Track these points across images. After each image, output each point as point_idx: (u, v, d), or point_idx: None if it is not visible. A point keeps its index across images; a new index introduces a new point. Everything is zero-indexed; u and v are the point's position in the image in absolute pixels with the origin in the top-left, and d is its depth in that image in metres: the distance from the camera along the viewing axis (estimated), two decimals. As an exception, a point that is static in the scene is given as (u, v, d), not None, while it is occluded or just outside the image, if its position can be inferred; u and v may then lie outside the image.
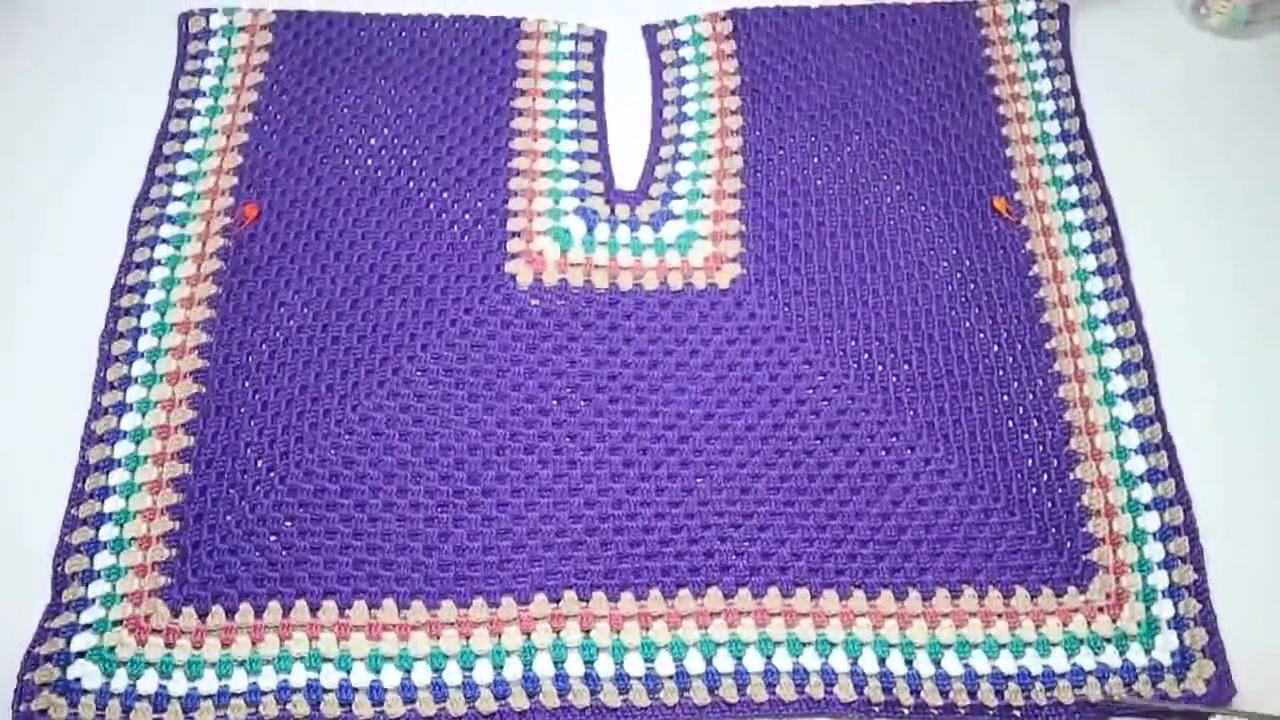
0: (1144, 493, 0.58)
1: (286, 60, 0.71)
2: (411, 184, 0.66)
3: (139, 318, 0.61)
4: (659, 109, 0.70)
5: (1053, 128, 0.69)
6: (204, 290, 0.62)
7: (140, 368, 0.60)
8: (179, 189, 0.66)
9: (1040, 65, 0.71)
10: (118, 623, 0.53)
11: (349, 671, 0.53)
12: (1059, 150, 0.68)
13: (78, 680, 0.52)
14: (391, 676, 0.53)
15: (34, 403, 0.60)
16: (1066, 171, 0.67)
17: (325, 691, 0.52)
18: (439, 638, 0.54)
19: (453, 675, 0.53)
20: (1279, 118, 0.70)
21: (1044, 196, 0.67)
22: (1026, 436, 0.59)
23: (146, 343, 0.61)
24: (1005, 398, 0.60)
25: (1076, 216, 0.66)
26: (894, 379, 0.60)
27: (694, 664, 0.53)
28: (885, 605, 0.55)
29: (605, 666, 0.53)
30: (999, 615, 0.55)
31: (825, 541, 0.56)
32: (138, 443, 0.58)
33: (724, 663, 0.53)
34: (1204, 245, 0.66)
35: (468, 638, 0.54)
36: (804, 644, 0.54)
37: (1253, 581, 0.56)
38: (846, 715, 0.53)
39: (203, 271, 0.63)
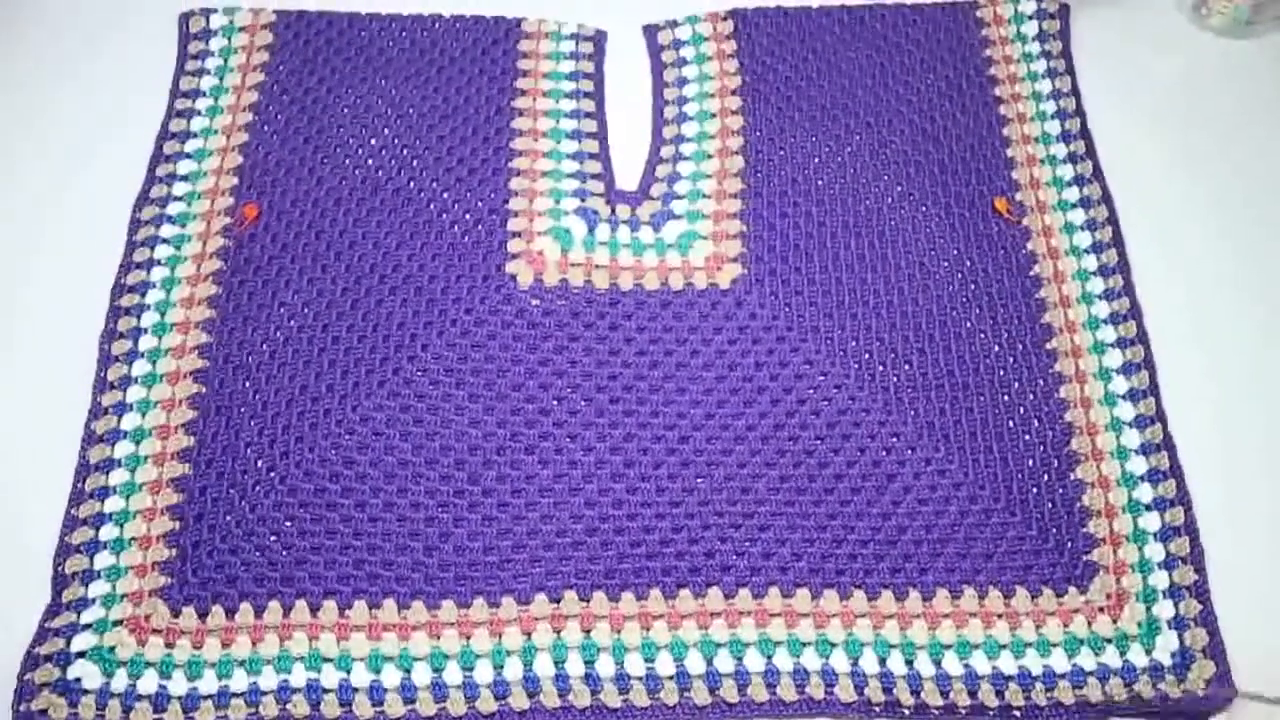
0: (1145, 493, 0.58)
1: (287, 60, 0.71)
2: (412, 184, 0.66)
3: (139, 318, 0.61)
4: (659, 109, 0.70)
5: (1053, 128, 0.69)
6: (204, 290, 0.62)
7: (140, 368, 0.60)
8: (179, 189, 0.66)
9: (1041, 65, 0.71)
10: (118, 623, 0.53)
11: (349, 672, 0.53)
12: (1060, 150, 0.68)
13: (78, 680, 0.52)
14: (392, 676, 0.53)
15: (34, 403, 0.60)
16: (1067, 172, 0.67)
17: (325, 691, 0.52)
18: (439, 638, 0.54)
19: (453, 675, 0.53)
20: (1279, 118, 0.70)
21: (1045, 197, 0.67)
22: (1027, 437, 0.59)
23: (147, 343, 0.61)
24: (1006, 398, 0.60)
25: (1077, 217, 0.66)
26: (895, 379, 0.60)
27: (695, 664, 0.53)
28: (886, 605, 0.55)
29: (606, 667, 0.53)
30: (999, 615, 0.55)
31: (826, 542, 0.56)
32: (138, 443, 0.58)
33: (725, 663, 0.53)
34: (1204, 245, 0.66)
35: (468, 638, 0.54)
36: (804, 644, 0.54)
37: (1253, 582, 0.56)
38: (847, 715, 0.53)
39: (203, 271, 0.63)
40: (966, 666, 0.53)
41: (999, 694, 0.53)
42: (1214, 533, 0.56)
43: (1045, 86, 0.71)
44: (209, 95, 0.69)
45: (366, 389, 0.59)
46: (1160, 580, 0.55)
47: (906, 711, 0.53)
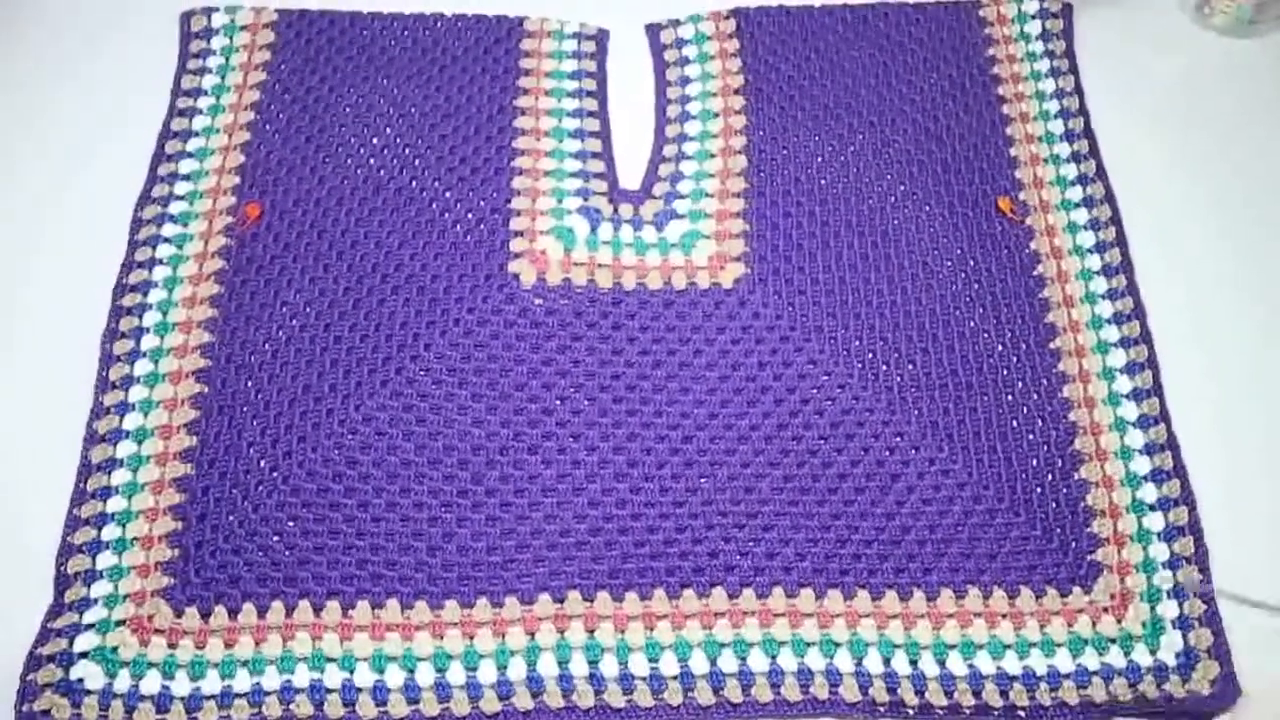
0: (1149, 493, 0.57)
1: (289, 59, 0.71)
2: (414, 183, 0.66)
3: (141, 317, 0.61)
4: (662, 108, 0.70)
5: (1056, 127, 0.69)
6: (206, 289, 0.62)
7: (142, 367, 0.60)
8: (181, 188, 0.66)
9: (1044, 65, 0.71)
10: (120, 623, 0.53)
11: (352, 672, 0.53)
12: (1063, 150, 0.68)
13: (80, 681, 0.52)
14: (395, 677, 0.53)
15: (36, 402, 0.59)
16: (1070, 171, 0.67)
17: (329, 692, 0.52)
18: (443, 638, 0.53)
19: (456, 675, 0.53)
20: (1281, 118, 0.70)
21: (1048, 196, 0.66)
22: (1031, 437, 0.59)
23: (149, 342, 0.60)
24: (1010, 398, 0.60)
25: (1080, 216, 0.66)
26: (898, 379, 0.60)
27: (698, 664, 0.53)
28: (890, 605, 0.54)
29: (609, 667, 0.53)
30: (1003, 616, 0.55)
31: (829, 542, 0.56)
32: (140, 442, 0.58)
33: (728, 663, 0.53)
34: (1204, 245, 0.66)
35: (471, 638, 0.54)
36: (808, 644, 0.54)
37: (1257, 581, 0.55)
38: (852, 716, 0.53)
39: (205, 270, 0.63)
40: (971, 666, 0.53)
41: (1003, 694, 0.53)
42: (1217, 533, 0.56)
43: (1048, 86, 0.71)
44: (211, 94, 0.69)
45: (369, 388, 0.59)
46: (1165, 580, 0.55)
47: (911, 711, 0.52)
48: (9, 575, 0.55)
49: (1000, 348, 0.61)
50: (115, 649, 0.52)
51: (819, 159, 0.67)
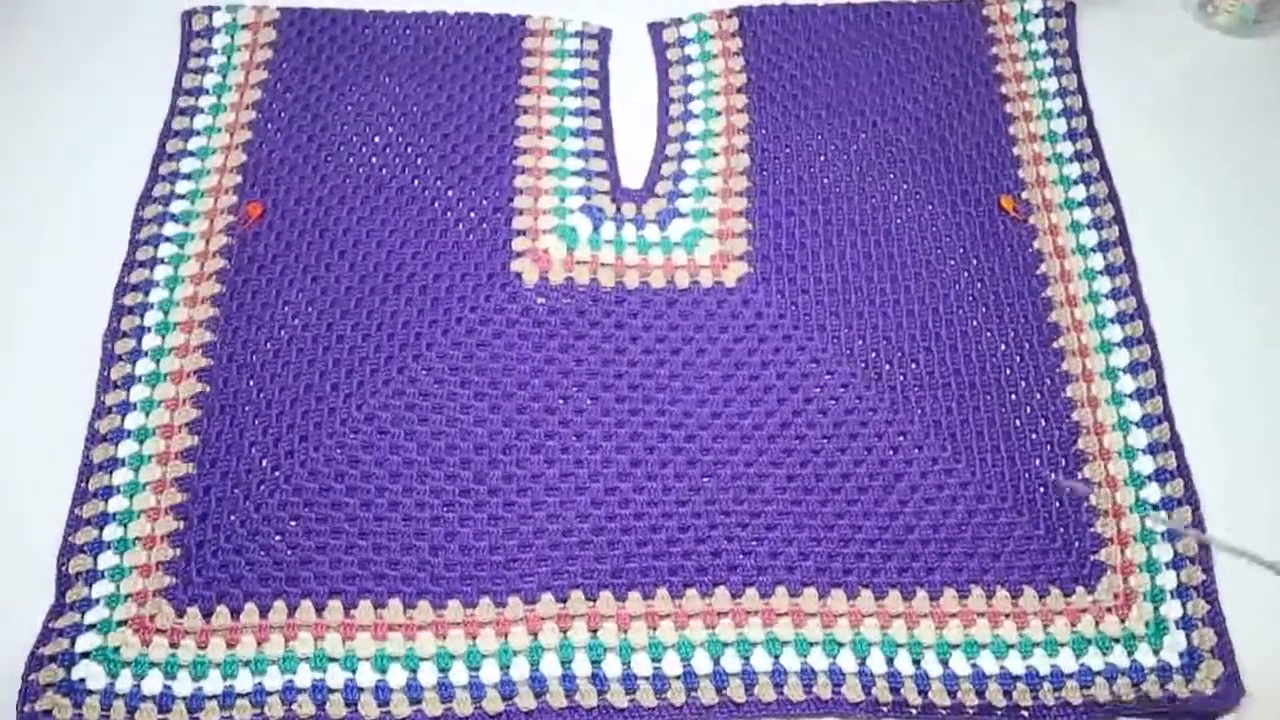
0: (1152, 492, 0.57)
1: (290, 58, 0.71)
2: (416, 182, 0.66)
3: (143, 316, 0.61)
4: (665, 107, 0.70)
5: (1059, 126, 0.69)
6: (208, 289, 0.62)
7: (144, 366, 0.60)
8: (182, 187, 0.66)
9: (1047, 64, 0.71)
10: (122, 623, 0.53)
11: (355, 671, 0.52)
12: (1066, 149, 0.68)
13: (82, 681, 0.52)
14: (397, 676, 0.52)
15: (37, 402, 0.59)
16: (1074, 170, 0.67)
17: (331, 692, 0.52)
18: (445, 637, 0.53)
19: (459, 675, 0.53)
20: (1283, 117, 0.70)
21: (1051, 195, 0.66)
22: (1034, 435, 0.59)
23: (150, 341, 0.60)
24: (1013, 396, 0.60)
25: (1084, 215, 0.66)
26: (901, 378, 0.60)
27: (701, 664, 0.53)
28: (893, 605, 0.54)
29: (612, 666, 0.53)
30: (1006, 615, 0.54)
31: (833, 541, 0.56)
32: (141, 442, 0.58)
33: (731, 662, 0.53)
34: (1205, 245, 0.66)
35: (474, 637, 0.53)
36: (811, 644, 0.54)
37: (1261, 581, 0.55)
38: (855, 715, 0.52)
39: (206, 270, 0.63)
40: (974, 666, 0.53)
41: (1006, 694, 0.53)
42: (1218, 532, 0.56)
43: (1051, 85, 0.70)
44: (212, 93, 0.69)
45: (371, 388, 0.59)
46: (1168, 580, 0.55)
47: (914, 711, 0.52)
48: (10, 575, 0.55)
49: (1003, 347, 0.61)
50: (117, 649, 0.52)
51: (822, 158, 0.67)
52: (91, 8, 0.73)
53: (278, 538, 0.55)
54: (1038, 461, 0.58)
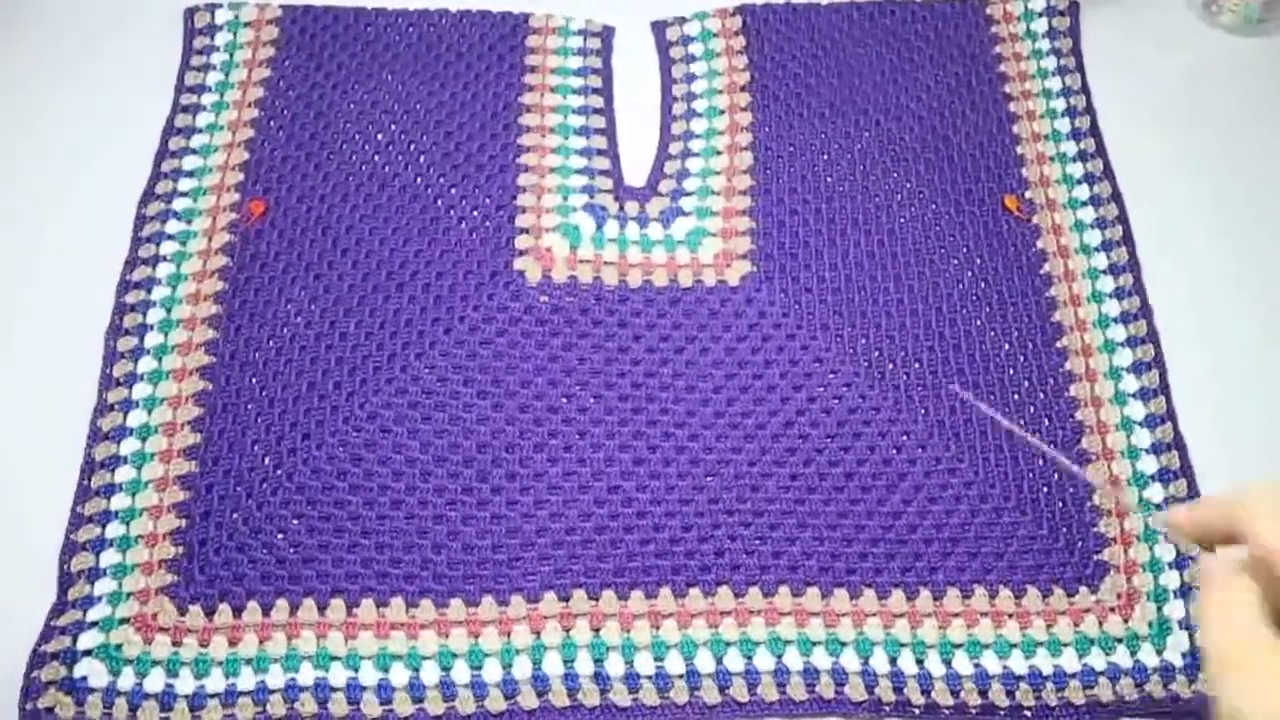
0: (1156, 492, 0.57)
1: (293, 56, 0.70)
2: (419, 180, 0.66)
3: (145, 314, 0.61)
4: (668, 105, 0.70)
5: (1063, 125, 0.69)
6: (210, 287, 0.62)
7: (146, 364, 0.60)
8: (185, 185, 0.65)
9: (1050, 63, 0.71)
10: (124, 621, 0.53)
11: (357, 670, 0.52)
12: (1069, 148, 0.68)
13: (84, 678, 0.51)
14: (400, 675, 0.52)
15: (39, 400, 0.59)
16: (1077, 169, 0.67)
17: (333, 690, 0.52)
18: (448, 636, 0.53)
19: (461, 674, 0.53)
20: (1286, 117, 0.70)
21: (1054, 194, 0.66)
22: (1038, 435, 0.59)
23: (152, 339, 0.60)
24: (1016, 396, 0.60)
25: (1087, 215, 0.66)
26: (904, 377, 0.60)
27: (704, 663, 0.53)
28: (896, 605, 0.54)
29: (615, 665, 0.53)
30: (1010, 615, 0.54)
31: (836, 540, 0.56)
32: (144, 440, 0.57)
33: (734, 662, 0.53)
34: (1208, 244, 0.65)
35: (477, 636, 0.53)
36: (814, 643, 0.53)
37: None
38: (858, 715, 0.52)
39: (209, 267, 0.63)
40: (977, 666, 0.53)
41: (1010, 694, 0.53)
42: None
43: (1055, 84, 0.70)
44: (214, 91, 0.69)
45: (374, 386, 0.59)
46: (1171, 580, 0.55)
47: (917, 711, 0.52)
48: (12, 573, 0.54)
49: (1007, 346, 0.61)
50: (119, 646, 0.52)
51: (825, 156, 0.67)
52: (91, 7, 0.73)
53: (280, 536, 0.55)
54: (1041, 461, 0.58)
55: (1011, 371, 0.61)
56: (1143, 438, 0.59)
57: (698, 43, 0.72)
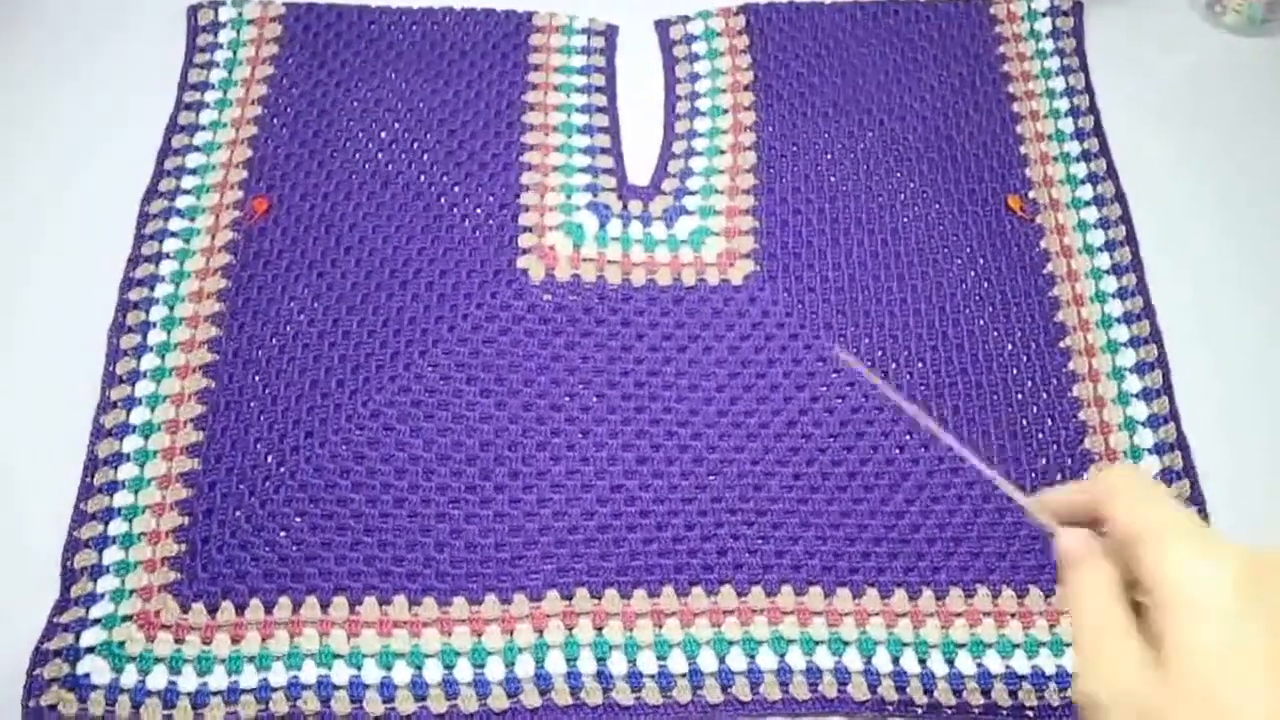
0: (1158, 493, 0.57)
1: (296, 53, 0.70)
2: (422, 178, 0.66)
3: (148, 312, 0.61)
4: (672, 104, 0.70)
5: (1067, 125, 0.69)
6: (213, 284, 0.62)
7: (149, 362, 0.59)
8: (188, 182, 0.65)
9: (1054, 63, 0.71)
10: (127, 618, 0.53)
11: (360, 668, 0.52)
12: (1073, 148, 0.68)
13: (87, 676, 0.51)
14: (402, 673, 0.52)
15: (42, 398, 0.59)
16: (1080, 169, 0.67)
17: (336, 688, 0.52)
18: (451, 634, 0.53)
19: (464, 672, 0.52)
20: (1288, 117, 0.70)
21: (1058, 194, 0.66)
22: (1040, 436, 0.59)
23: (155, 337, 0.60)
24: (1019, 396, 0.60)
25: (1090, 215, 0.65)
26: (907, 376, 0.60)
27: (707, 662, 0.53)
28: (899, 604, 0.54)
29: (618, 664, 0.53)
30: (1013, 615, 0.54)
31: (839, 539, 0.56)
32: (147, 437, 0.57)
33: (737, 661, 0.53)
34: (1210, 244, 0.65)
35: (480, 634, 0.53)
36: (817, 642, 0.53)
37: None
38: (860, 714, 0.52)
39: (212, 265, 0.63)
40: (980, 665, 0.53)
41: (1013, 693, 0.53)
42: (1223, 532, 0.56)
43: (1058, 84, 0.70)
44: (217, 88, 0.69)
45: (377, 384, 0.59)
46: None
47: (920, 710, 0.52)
48: (15, 571, 0.54)
49: (1010, 346, 0.61)
50: (122, 644, 0.52)
51: (828, 156, 0.67)
52: (92, 7, 0.73)
53: (283, 534, 0.55)
54: (1044, 461, 0.58)
55: (1014, 372, 0.61)
56: (1146, 438, 0.59)
57: (701, 41, 0.72)
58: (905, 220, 0.65)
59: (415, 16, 0.72)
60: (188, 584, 0.54)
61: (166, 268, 0.62)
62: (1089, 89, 0.70)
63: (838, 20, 0.72)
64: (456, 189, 0.65)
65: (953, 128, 0.68)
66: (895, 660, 0.53)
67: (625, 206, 0.65)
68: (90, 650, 0.52)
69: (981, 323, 0.62)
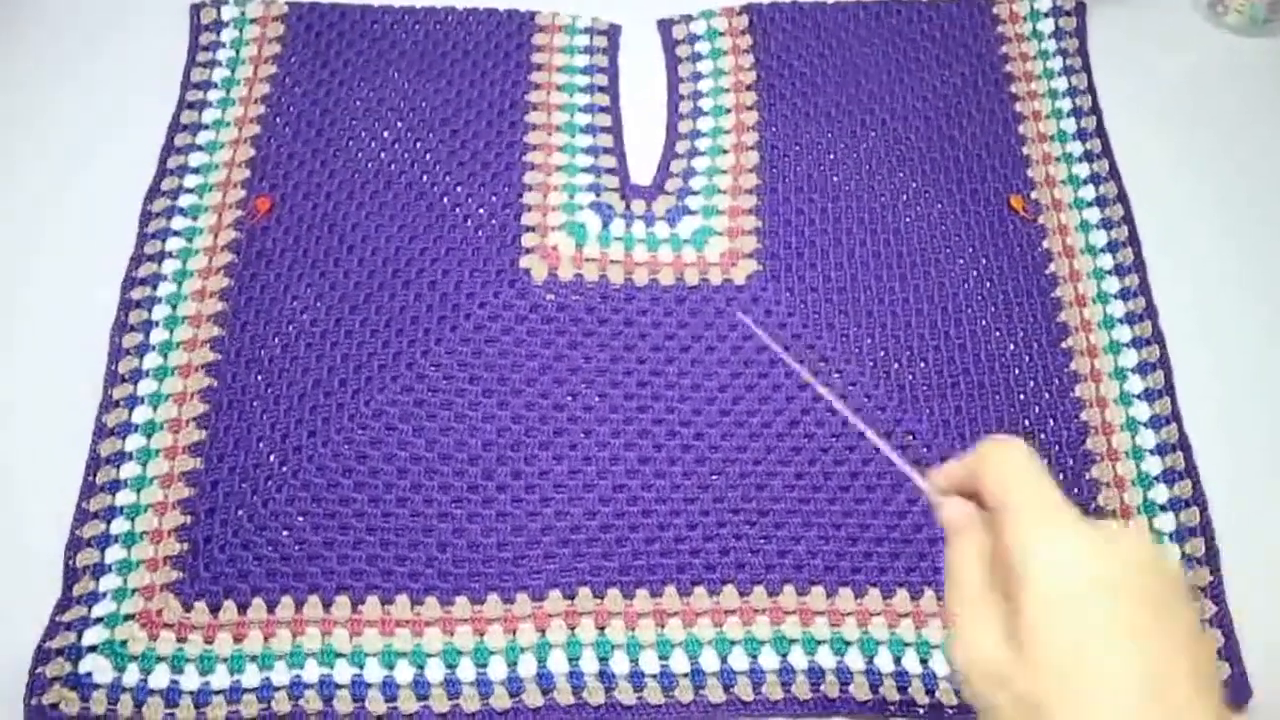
0: (1160, 493, 0.57)
1: (299, 52, 0.70)
2: (425, 177, 0.66)
3: (150, 310, 0.61)
4: (674, 104, 0.70)
5: (1069, 126, 0.69)
6: (216, 283, 0.62)
7: (152, 360, 0.59)
8: (190, 181, 0.65)
9: (1057, 63, 0.71)
10: (129, 617, 0.53)
11: (362, 667, 0.52)
12: (1075, 148, 0.68)
13: (89, 674, 0.51)
14: (404, 672, 0.52)
15: (44, 396, 0.59)
16: (1083, 170, 0.67)
17: (338, 687, 0.52)
18: (453, 634, 0.53)
19: (467, 671, 0.53)
20: (1290, 118, 0.70)
21: (1060, 195, 0.66)
22: (1042, 436, 0.59)
23: (158, 335, 0.60)
24: (1021, 396, 0.60)
25: (1093, 215, 0.66)
26: (910, 377, 0.60)
27: (709, 661, 0.53)
28: (901, 604, 0.54)
29: (620, 664, 0.53)
30: (1015, 615, 0.54)
31: (841, 539, 0.56)
32: (149, 436, 0.57)
33: (739, 660, 0.53)
34: (1211, 244, 0.65)
35: (482, 634, 0.53)
36: (819, 642, 0.53)
37: (1268, 582, 0.55)
38: (861, 714, 0.52)
39: (214, 264, 0.63)
40: (982, 666, 0.53)
41: (1015, 693, 0.53)
42: (1224, 534, 0.56)
43: (1061, 84, 0.70)
44: (220, 87, 0.69)
45: (379, 383, 0.59)
46: (1176, 580, 0.55)
47: (921, 710, 0.52)
48: (17, 569, 0.54)
49: (1012, 347, 0.61)
50: (124, 643, 0.52)
51: (831, 156, 0.67)
52: (92, 6, 0.73)
53: (285, 533, 0.55)
54: (1046, 461, 0.58)
55: (1017, 371, 0.61)
56: (1148, 438, 0.59)
57: (704, 41, 0.72)
58: (908, 220, 0.65)
59: (418, 16, 0.72)
60: (190, 583, 0.54)
61: (169, 266, 0.62)
62: (1091, 89, 0.70)
63: (840, 20, 0.72)
64: (459, 188, 0.65)
65: (955, 128, 0.68)
66: (897, 660, 0.53)
67: (628, 206, 0.65)
68: (92, 649, 0.52)
69: (984, 322, 0.62)
